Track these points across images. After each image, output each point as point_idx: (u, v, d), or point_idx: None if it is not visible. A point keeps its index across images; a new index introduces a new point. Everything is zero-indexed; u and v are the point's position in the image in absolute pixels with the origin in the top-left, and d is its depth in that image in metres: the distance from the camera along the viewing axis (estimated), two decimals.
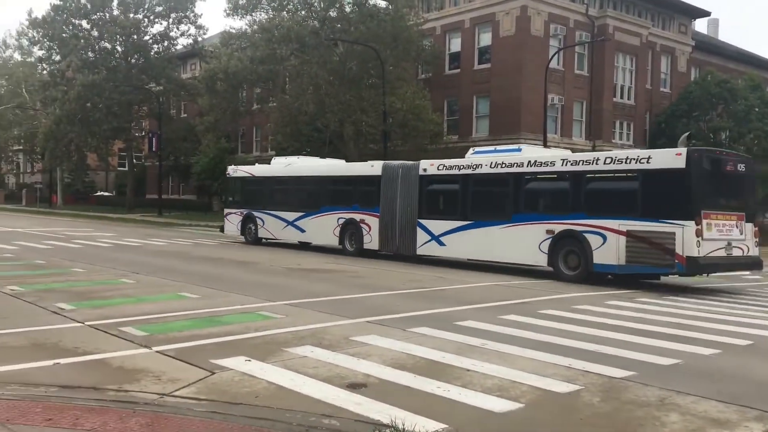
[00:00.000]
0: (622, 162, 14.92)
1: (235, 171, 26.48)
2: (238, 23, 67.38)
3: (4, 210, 54.95)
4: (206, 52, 44.48)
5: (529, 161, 16.63)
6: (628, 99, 40.73)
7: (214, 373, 6.46)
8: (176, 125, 53.92)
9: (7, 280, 12.56)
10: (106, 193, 71.99)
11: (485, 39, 37.52)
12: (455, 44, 39.04)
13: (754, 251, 14.88)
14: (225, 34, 40.59)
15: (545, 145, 29.80)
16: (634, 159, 14.70)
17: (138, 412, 5.28)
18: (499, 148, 19.15)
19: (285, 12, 36.61)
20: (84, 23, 51.64)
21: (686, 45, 44.70)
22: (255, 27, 37.48)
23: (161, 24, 52.45)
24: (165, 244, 23.29)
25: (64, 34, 51.22)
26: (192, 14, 51.92)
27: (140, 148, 59.24)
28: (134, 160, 57.46)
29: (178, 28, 52.43)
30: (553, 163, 16.23)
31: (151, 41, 52.34)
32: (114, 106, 49.01)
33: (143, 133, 57.40)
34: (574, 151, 35.43)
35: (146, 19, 51.94)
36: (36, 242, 22.39)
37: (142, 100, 52.34)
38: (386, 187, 19.94)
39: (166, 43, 52.64)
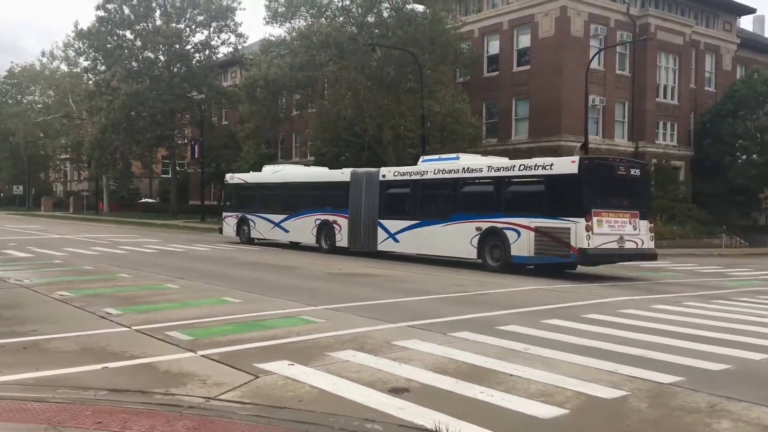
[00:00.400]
0: (531, 168, 17.44)
1: (231, 178, 29.06)
2: (278, 31, 68.45)
3: (52, 217, 56.42)
4: (246, 60, 45.08)
5: (464, 168, 19.14)
6: (672, 99, 39.92)
7: (258, 377, 6.53)
8: (217, 132, 54.70)
9: (57, 286, 12.89)
10: (150, 200, 73.36)
11: (524, 41, 37.22)
12: (493, 46, 38.81)
13: (649, 244, 17.18)
14: (264, 42, 41.05)
15: (586, 147, 29.47)
16: (540, 166, 17.21)
17: (184, 415, 5.36)
18: (443, 156, 21.54)
19: (323, 18, 36.86)
20: (128, 34, 52.81)
21: (731, 43, 43.63)
22: (294, 34, 37.81)
23: (202, 33, 53.37)
24: (208, 250, 23.64)
25: (108, 45, 52.42)
26: (232, 23, 52.64)
27: (183, 155, 60.23)
28: (177, 167, 58.43)
29: (218, 37, 53.25)
30: (481, 170, 18.78)
31: (192, 50, 53.24)
32: (157, 114, 49.99)
33: (185, 141, 58.32)
34: (616, 152, 35.30)
35: (188, 29, 52.87)
36: (83, 248, 22.93)
37: (184, 108, 53.23)
38: (353, 192, 22.45)
39: (207, 52, 53.48)
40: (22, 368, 6.65)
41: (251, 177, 28.44)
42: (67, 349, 7.69)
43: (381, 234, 21.35)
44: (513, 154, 36.62)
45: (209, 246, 25.40)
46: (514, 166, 18.04)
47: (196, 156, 49.91)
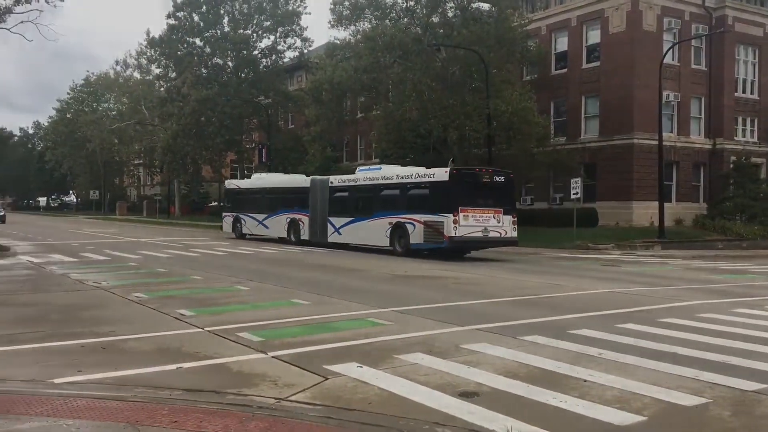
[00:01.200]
0: (422, 177, 22.54)
1: (229, 184, 35.19)
2: (342, 34, 69.17)
3: (127, 221, 58.45)
4: (312, 63, 45.60)
5: (382, 176, 24.20)
6: (752, 93, 38.30)
7: (327, 379, 6.55)
8: (284, 136, 55.57)
9: (133, 288, 13.31)
10: (219, 204, 74.99)
11: (593, 36, 36.41)
12: (561, 43, 38.10)
13: (512, 234, 21.90)
14: (330, 45, 41.46)
15: (660, 144, 28.62)
16: (427, 175, 22.35)
17: (256, 415, 5.42)
18: (371, 167, 26.91)
19: (388, 20, 36.91)
20: (197, 41, 54.25)
21: None
22: (358, 37, 38.02)
23: (269, 38, 54.38)
24: (275, 252, 24.01)
25: (179, 52, 54.00)
26: (298, 27, 53.42)
27: (251, 159, 61.44)
28: (245, 171, 59.66)
29: (285, 42, 54.13)
30: (392, 177, 23.74)
31: (259, 55, 54.29)
32: (226, 119, 51.17)
33: (253, 145, 59.47)
34: (692, 150, 34.10)
35: (255, 34, 53.95)
36: (157, 251, 23.65)
37: (251, 113, 54.30)
38: (312, 195, 27.24)
39: (273, 57, 54.44)
40: (101, 368, 6.87)
41: (243, 183, 34.44)
42: (144, 349, 7.91)
43: (330, 228, 26.01)
44: (583, 153, 36.03)
45: (276, 248, 25.85)
46: (412, 175, 23.09)
47: (264, 160, 50.83)
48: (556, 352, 7.83)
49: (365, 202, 24.42)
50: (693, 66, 36.62)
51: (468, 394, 6.09)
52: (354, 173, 26.60)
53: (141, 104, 67.36)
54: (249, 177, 63.69)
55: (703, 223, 34.18)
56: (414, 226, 21.90)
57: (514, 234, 21.96)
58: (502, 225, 21.54)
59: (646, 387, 6.34)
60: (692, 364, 7.26)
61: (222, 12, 53.86)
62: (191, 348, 7.90)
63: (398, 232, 22.56)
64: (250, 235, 31.58)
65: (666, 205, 30.12)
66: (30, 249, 24.15)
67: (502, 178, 22.09)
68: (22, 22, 24.94)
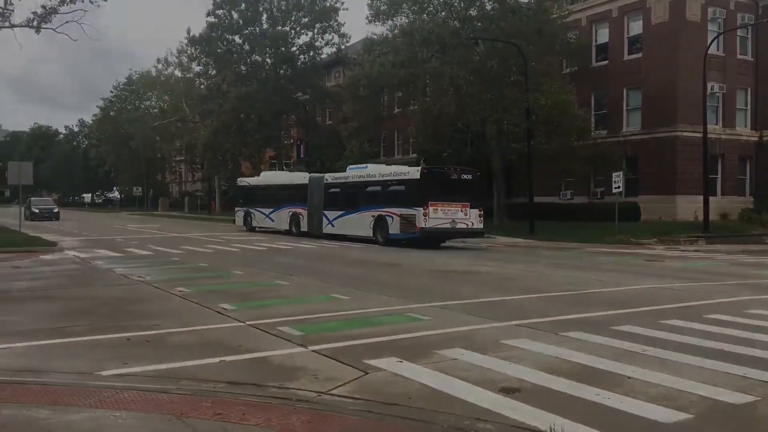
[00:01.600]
0: (399, 174, 25.24)
1: (240, 182, 37.95)
2: (380, 29, 68.89)
3: (169, 217, 59.39)
4: (349, 59, 45.68)
5: (367, 174, 26.97)
6: None
7: (367, 373, 6.57)
8: (322, 132, 55.82)
9: (176, 282, 13.54)
10: None
11: (635, 28, 35.75)
12: (602, 35, 37.50)
13: (478, 225, 24.30)
14: (367, 41, 41.47)
15: (705, 137, 28.04)
16: (403, 173, 25.04)
17: (298, 409, 5.47)
18: (359, 166, 29.28)
19: (425, 14, 36.77)
20: (237, 38, 54.80)
21: None
22: (396, 31, 37.97)
23: (307, 35, 54.65)
24: (315, 247, 24.17)
25: (219, 50, 54.61)
26: (335, 23, 53.57)
27: (289, 155, 61.93)
28: (284, 167, 60.11)
29: (322, 38, 54.34)
30: (375, 175, 26.52)
31: (297, 52, 54.59)
32: (265, 116, 51.61)
33: (291, 141, 59.89)
34: (737, 142, 33.50)
35: (293, 31, 54.27)
36: (199, 246, 24.02)
37: (290, 109, 54.68)
38: (309, 191, 29.71)
39: (311, 53, 54.70)
40: (146, 361, 7.01)
41: (252, 180, 37.06)
42: (187, 342, 8.04)
43: (325, 221, 28.45)
44: (624, 147, 35.43)
45: (316, 243, 26.03)
46: (392, 173, 25.98)
47: (302, 156, 51.16)
48: (599, 348, 7.73)
49: (353, 198, 26.85)
50: (739, 56, 35.71)
51: (509, 390, 6.04)
52: (345, 171, 29.57)
53: (182, 102, 68.35)
54: (290, 171, 64.77)
55: (750, 217, 33.33)
56: (392, 218, 24.39)
57: (480, 225, 24.50)
58: (469, 217, 23.97)
59: (692, 384, 6.21)
60: (739, 361, 7.09)
61: (260, 9, 54.30)
62: (233, 342, 8.00)
63: (380, 224, 25.01)
64: (258, 227, 33.94)
65: (711, 198, 29.42)
66: (76, 244, 24.73)
67: (470, 176, 24.64)
68: (67, 22, 25.42)
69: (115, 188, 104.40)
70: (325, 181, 29.05)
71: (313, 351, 7.51)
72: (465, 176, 24.50)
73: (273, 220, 32.63)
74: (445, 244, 25.40)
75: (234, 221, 36.78)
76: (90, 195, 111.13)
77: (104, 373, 6.58)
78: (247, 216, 34.99)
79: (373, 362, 6.92)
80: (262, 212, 33.66)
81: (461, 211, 23.83)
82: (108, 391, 5.87)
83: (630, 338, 8.24)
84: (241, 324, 9.12)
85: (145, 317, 9.61)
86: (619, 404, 5.65)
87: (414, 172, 24.14)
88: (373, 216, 25.30)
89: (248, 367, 6.92)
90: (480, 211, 24.37)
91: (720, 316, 9.92)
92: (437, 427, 5.13)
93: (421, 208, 23.06)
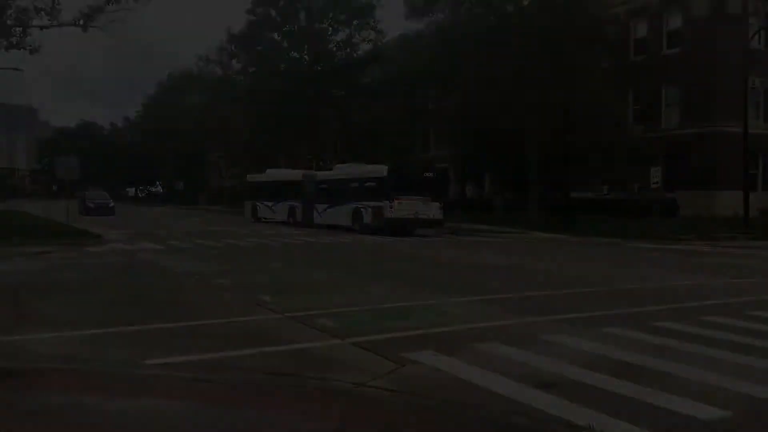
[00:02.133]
0: (372, 173, 29.00)
1: (249, 178, 42.03)
2: (416, 25, 68.56)
3: (210, 211, 60.23)
4: (386, 55, 45.70)
5: (349, 172, 31.28)
6: None
7: (404, 366, 6.63)
8: (358, 128, 55.84)
9: (217, 275, 13.80)
10: None
11: (675, 22, 35.11)
12: (641, 29, 36.92)
13: (438, 216, 27.85)
14: (403, 37, 41.43)
15: (746, 132, 27.47)
16: (375, 171, 28.94)
17: (337, 399, 5.55)
18: (342, 166, 34.31)
19: (462, 10, 36.64)
20: (275, 36, 55.20)
21: None
22: (432, 28, 37.89)
23: (344, 31, 54.72)
24: (351, 242, 24.34)
25: (258, 47, 55.09)
26: (372, 20, 53.58)
27: (326, 150, 62.05)
28: (320, 162, 60.40)
29: (359, 34, 54.37)
30: (354, 174, 30.52)
31: (335, 48, 54.77)
32: (302, 111, 51.91)
33: (328, 136, 60.04)
34: None
35: (330, 28, 54.44)
36: (238, 240, 24.36)
37: (326, 105, 54.89)
38: (304, 187, 33.62)
39: (348, 50, 54.80)
40: (188, 350, 7.19)
41: (259, 177, 40.84)
42: (227, 333, 8.20)
43: (315, 213, 32.62)
44: (663, 142, 34.84)
45: (352, 236, 26.28)
46: (366, 171, 29.81)
47: (338, 151, 51.31)
48: (638, 343, 7.67)
49: (337, 193, 30.87)
50: None
51: (547, 385, 6.04)
52: (332, 170, 34.06)
53: (221, 98, 69.06)
54: (331, 169, 65.11)
55: None
56: (366, 210, 28.31)
57: (440, 216, 28.00)
58: (430, 210, 27.63)
59: (732, 381, 6.15)
60: None
61: (299, 6, 54.59)
62: (272, 333, 8.16)
63: (357, 215, 28.94)
64: (263, 218, 37.93)
65: (751, 194, 28.80)
66: (120, 237, 25.25)
67: (431, 174, 29.91)
68: (113, 21, 25.93)
69: (157, 183, 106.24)
70: (315, 179, 33.76)
71: (351, 343, 7.59)
72: (427, 174, 29.44)
73: (275, 212, 36.93)
74: (472, 238, 27.03)
75: (243, 213, 40.92)
76: (134, 189, 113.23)
77: (149, 362, 6.74)
78: (254, 209, 39.35)
79: (409, 355, 6.97)
80: (266, 205, 38.05)
81: (423, 203, 27.46)
82: (153, 379, 6.02)
83: (670, 334, 8.16)
84: (280, 316, 9.26)
85: (187, 308, 9.83)
86: (657, 400, 5.61)
87: (382, 170, 28.34)
88: (351, 208, 29.29)
89: (287, 358, 7.05)
90: (440, 204, 27.98)
91: (763, 313, 9.74)
92: (474, 421, 5.17)
93: (388, 201, 26.89)
